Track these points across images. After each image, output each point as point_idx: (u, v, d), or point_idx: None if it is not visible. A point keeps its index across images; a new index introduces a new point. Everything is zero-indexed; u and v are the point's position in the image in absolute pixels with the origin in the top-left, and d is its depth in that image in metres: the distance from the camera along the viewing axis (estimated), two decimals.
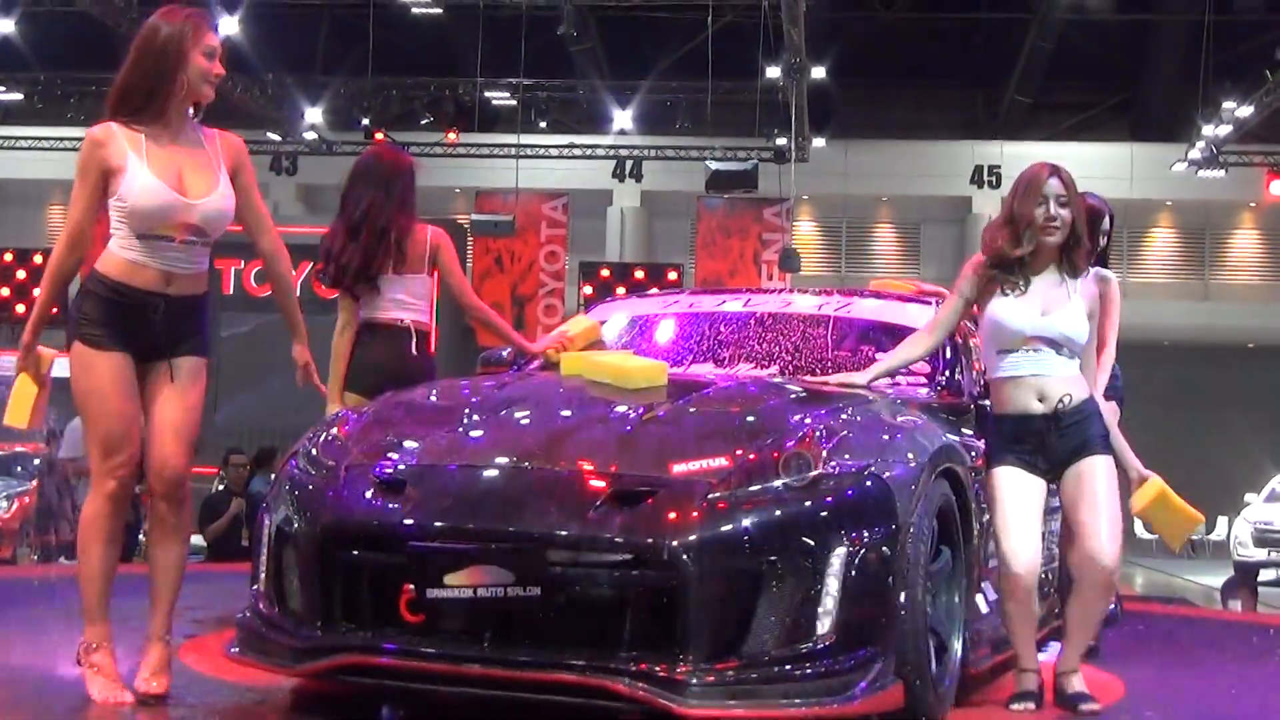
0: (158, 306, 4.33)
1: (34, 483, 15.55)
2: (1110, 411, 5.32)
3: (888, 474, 4.13)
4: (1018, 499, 4.69)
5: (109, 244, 4.37)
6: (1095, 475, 4.73)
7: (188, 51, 4.34)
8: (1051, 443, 4.73)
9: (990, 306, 4.81)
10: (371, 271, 5.66)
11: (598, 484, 4.06)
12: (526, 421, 4.57)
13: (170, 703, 4.39)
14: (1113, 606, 5.25)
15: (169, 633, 4.50)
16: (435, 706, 4.19)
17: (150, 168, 4.29)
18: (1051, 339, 4.72)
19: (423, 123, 25.63)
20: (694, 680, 3.79)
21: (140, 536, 13.02)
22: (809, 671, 3.86)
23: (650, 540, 3.88)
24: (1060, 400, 4.71)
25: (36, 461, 16.20)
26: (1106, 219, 6.05)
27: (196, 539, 14.26)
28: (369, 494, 4.21)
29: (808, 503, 3.99)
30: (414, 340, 5.75)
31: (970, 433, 4.96)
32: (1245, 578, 17.34)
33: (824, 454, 4.09)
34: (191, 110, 4.46)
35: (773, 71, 21.83)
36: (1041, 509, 4.76)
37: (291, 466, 4.54)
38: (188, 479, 4.46)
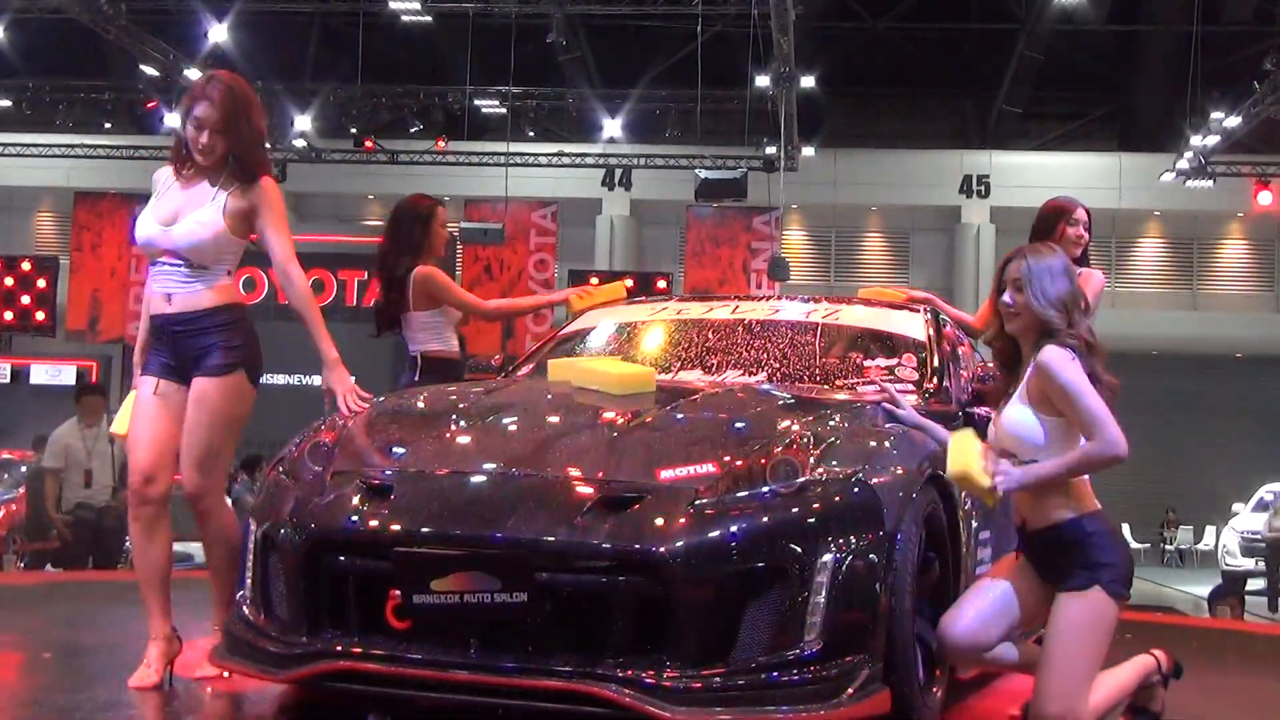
0: (163, 326, 4.76)
1: (20, 490, 15.50)
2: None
3: (876, 481, 4.12)
4: (990, 582, 4.47)
5: None
6: (1059, 621, 4.25)
7: (184, 120, 4.81)
8: (1034, 557, 4.40)
9: None
10: (390, 316, 6.33)
11: (585, 490, 4.05)
12: (514, 427, 4.57)
13: (154, 709, 4.39)
14: None
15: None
16: (422, 713, 4.17)
17: (154, 206, 4.82)
18: (1006, 450, 4.38)
19: (412, 131, 25.63)
20: (681, 686, 3.77)
21: (127, 545, 13.01)
22: (796, 678, 3.85)
23: (637, 546, 3.87)
24: (1022, 523, 4.41)
25: (23, 468, 16.16)
26: (1080, 212, 6.05)
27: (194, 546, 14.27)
28: (355, 500, 4.19)
29: (795, 509, 3.98)
30: (417, 369, 6.28)
31: None
32: (1233, 586, 17.36)
33: (812, 460, 4.08)
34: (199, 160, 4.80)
35: (762, 80, 21.85)
36: (1014, 596, 4.41)
37: (278, 472, 4.53)
38: (201, 496, 4.75)
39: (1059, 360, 4.26)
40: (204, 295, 4.72)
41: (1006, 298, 4.42)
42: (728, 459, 4.12)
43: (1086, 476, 4.38)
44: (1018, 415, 4.32)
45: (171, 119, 23.76)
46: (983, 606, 4.38)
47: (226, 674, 4.61)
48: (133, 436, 4.76)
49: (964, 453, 4.30)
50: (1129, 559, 4.38)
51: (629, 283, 6.19)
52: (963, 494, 4.68)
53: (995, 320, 4.53)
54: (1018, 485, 4.26)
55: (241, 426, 4.84)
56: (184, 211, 4.74)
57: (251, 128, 4.80)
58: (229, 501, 6.44)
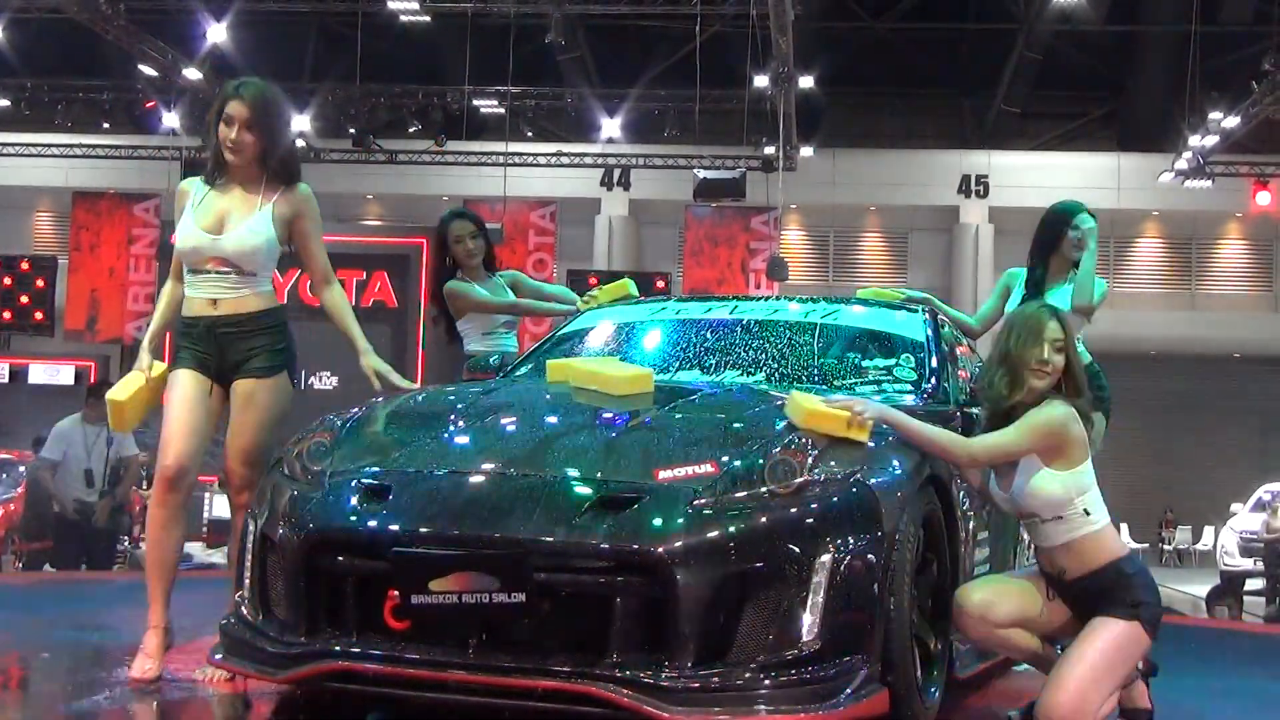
0: (207, 327, 4.88)
1: (19, 490, 15.50)
2: None
3: (874, 481, 4.13)
4: (1014, 574, 4.63)
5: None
6: (1094, 632, 4.39)
7: (214, 124, 4.91)
8: (1070, 601, 4.52)
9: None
10: (449, 327, 6.97)
11: (583, 490, 4.05)
12: (512, 428, 4.57)
13: (151, 709, 4.39)
14: None
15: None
16: (420, 713, 4.17)
17: (194, 215, 4.89)
18: (1027, 511, 4.53)
19: (411, 131, 25.60)
20: (679, 686, 3.78)
21: (122, 545, 13.02)
22: (794, 678, 3.85)
23: (635, 546, 3.87)
24: (1059, 573, 4.51)
25: (21, 469, 16.15)
26: (1083, 214, 6.13)
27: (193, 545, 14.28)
28: (354, 500, 4.19)
29: (793, 509, 3.98)
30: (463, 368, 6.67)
31: None
32: (1232, 587, 17.36)
33: (810, 461, 4.08)
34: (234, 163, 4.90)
35: (761, 80, 21.83)
36: (1036, 596, 4.56)
37: (276, 473, 4.53)
38: (247, 488, 4.83)
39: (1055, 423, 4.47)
40: (251, 299, 4.90)
41: (1049, 357, 4.50)
42: (726, 459, 4.12)
43: (1109, 520, 4.50)
44: (1040, 480, 4.44)
45: (169, 119, 23.80)
46: (1000, 583, 4.55)
47: (226, 674, 4.62)
48: (169, 425, 4.84)
49: (804, 402, 4.30)
50: (1160, 601, 4.55)
51: (631, 284, 6.21)
52: (960, 494, 4.69)
53: (1010, 378, 4.56)
54: (878, 414, 4.31)
55: (285, 421, 4.97)
56: (230, 219, 4.87)
57: (284, 127, 5.03)
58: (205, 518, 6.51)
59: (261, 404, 4.91)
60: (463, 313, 6.89)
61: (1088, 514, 4.45)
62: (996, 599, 4.47)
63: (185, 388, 4.90)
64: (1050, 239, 6.36)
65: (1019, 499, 4.50)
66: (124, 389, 5.08)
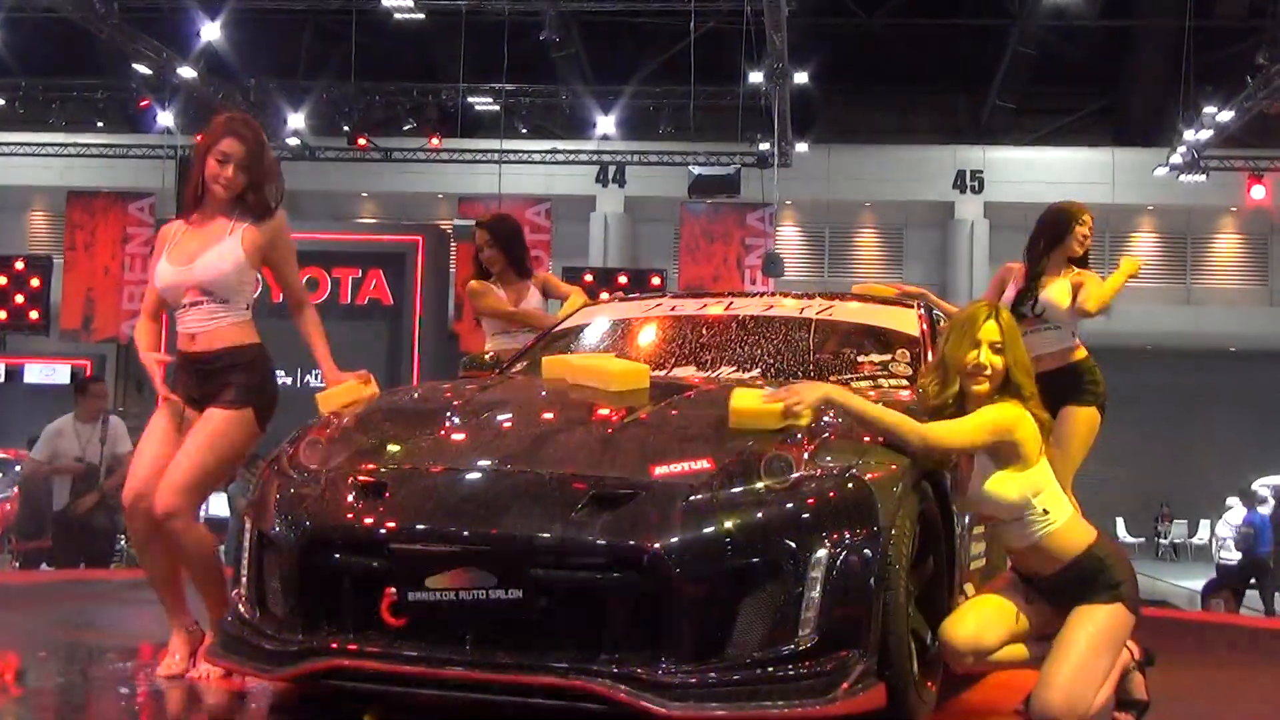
0: (187, 364, 4.91)
1: (15, 489, 15.48)
2: None
3: (869, 476, 4.13)
4: (993, 595, 4.55)
5: None
6: (1080, 622, 4.37)
7: (203, 156, 4.91)
8: (1049, 597, 4.47)
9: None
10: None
11: (579, 486, 4.05)
12: (508, 425, 4.58)
13: (149, 707, 4.39)
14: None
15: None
16: (417, 710, 4.17)
17: (168, 254, 4.95)
18: (987, 514, 4.50)
19: (405, 128, 25.60)
20: (676, 682, 3.79)
21: (120, 544, 13.00)
22: (791, 673, 3.86)
23: (632, 543, 3.87)
24: (1033, 576, 4.47)
25: (18, 468, 16.14)
26: (1087, 216, 6.16)
27: None
28: (351, 497, 4.20)
29: (789, 505, 3.99)
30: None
31: None
32: (1227, 580, 17.37)
33: (805, 456, 4.09)
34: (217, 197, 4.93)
35: (755, 77, 21.85)
36: (1015, 606, 4.50)
37: (273, 470, 4.54)
38: (172, 517, 4.73)
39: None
40: (225, 333, 4.90)
41: (983, 357, 4.42)
42: (721, 455, 4.12)
43: (1076, 508, 4.50)
44: (998, 483, 4.37)
45: (164, 117, 23.78)
46: (980, 609, 4.46)
47: (221, 672, 4.62)
48: (138, 453, 4.92)
49: (736, 401, 4.29)
50: (1135, 574, 4.52)
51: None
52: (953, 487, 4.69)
53: (939, 379, 4.49)
54: (820, 399, 4.26)
55: (233, 464, 4.91)
56: (202, 249, 4.90)
57: (271, 163, 5.00)
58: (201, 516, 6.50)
59: (215, 428, 4.81)
60: (478, 311, 7.34)
61: (1047, 513, 4.39)
62: (982, 629, 4.39)
63: (163, 420, 4.92)
64: (1058, 234, 6.40)
65: (976, 503, 4.46)
66: (336, 397, 4.98)
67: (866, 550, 3.99)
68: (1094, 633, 4.34)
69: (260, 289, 5.37)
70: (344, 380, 5.03)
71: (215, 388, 4.87)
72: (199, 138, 5.06)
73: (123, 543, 13.54)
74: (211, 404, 4.87)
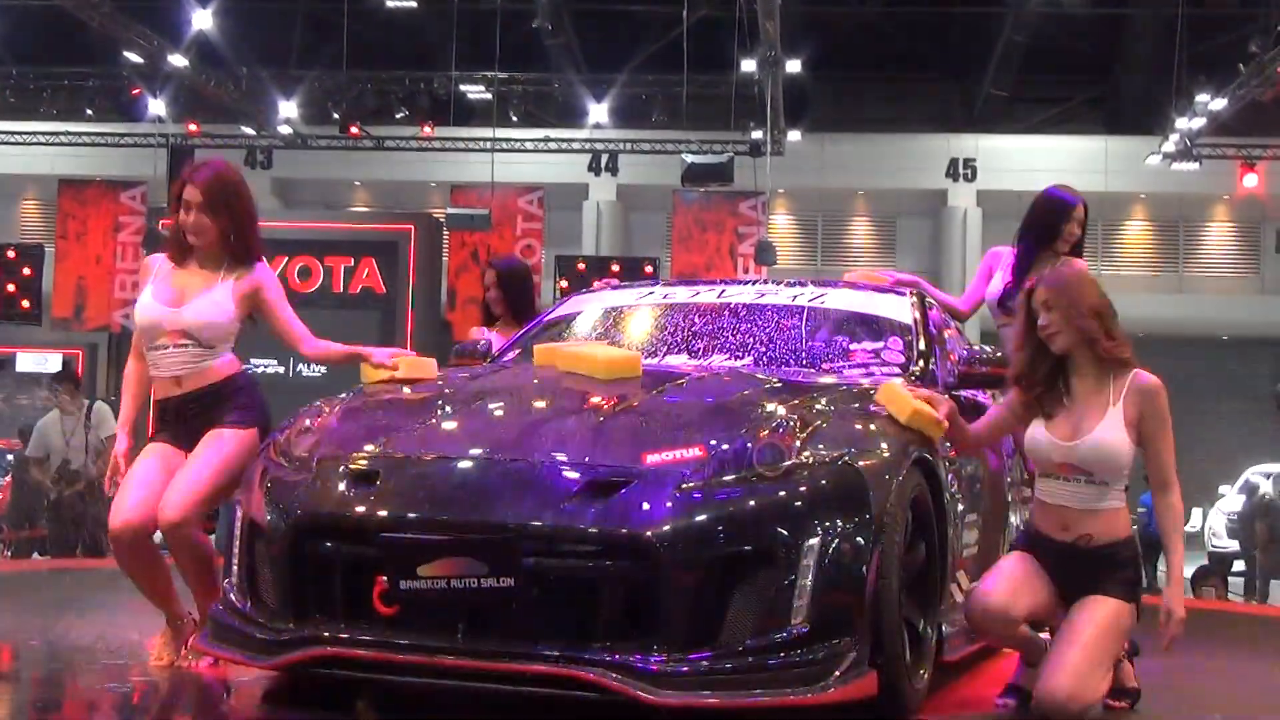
0: (176, 408, 4.91)
1: (6, 479, 15.47)
2: None
3: (862, 464, 4.13)
4: (1011, 563, 4.64)
5: None
6: (1091, 613, 4.44)
7: (174, 209, 4.97)
8: (1067, 569, 4.53)
9: (1030, 428, 4.65)
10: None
11: (571, 475, 4.05)
12: (500, 413, 4.57)
13: (141, 696, 4.40)
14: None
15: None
16: (409, 698, 4.17)
17: (153, 289, 4.94)
18: (1077, 465, 4.50)
19: (398, 116, 25.50)
20: (668, 670, 3.79)
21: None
22: (783, 661, 3.86)
23: (624, 530, 3.87)
24: (1079, 538, 4.52)
25: (9, 458, 16.13)
26: (1080, 209, 6.02)
27: None
28: (342, 486, 4.19)
29: (782, 492, 3.99)
30: None
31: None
32: (1218, 567, 17.43)
33: (798, 444, 4.09)
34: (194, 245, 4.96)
35: (748, 65, 21.79)
36: (1032, 580, 4.58)
37: (264, 459, 4.53)
38: (181, 525, 4.75)
39: (1163, 392, 4.57)
40: (214, 371, 4.92)
41: (1042, 320, 4.53)
42: (714, 443, 4.12)
43: (1115, 492, 4.55)
44: (1118, 437, 4.47)
45: (155, 106, 23.71)
46: (1008, 576, 4.54)
47: (213, 661, 4.62)
48: (125, 482, 4.88)
49: (901, 398, 4.39)
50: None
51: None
52: (948, 476, 4.69)
53: (1026, 354, 4.62)
54: (949, 414, 4.48)
55: (237, 484, 4.74)
56: (190, 293, 4.90)
57: (241, 207, 4.97)
58: None
59: (224, 447, 4.83)
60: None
61: (1127, 489, 4.55)
62: (1014, 597, 4.50)
63: (153, 455, 4.91)
64: (1048, 229, 6.09)
65: (1083, 450, 4.48)
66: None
67: (859, 538, 3.99)
68: (1107, 624, 4.41)
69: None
70: (402, 355, 5.07)
71: (213, 418, 4.88)
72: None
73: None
74: (218, 425, 4.86)
